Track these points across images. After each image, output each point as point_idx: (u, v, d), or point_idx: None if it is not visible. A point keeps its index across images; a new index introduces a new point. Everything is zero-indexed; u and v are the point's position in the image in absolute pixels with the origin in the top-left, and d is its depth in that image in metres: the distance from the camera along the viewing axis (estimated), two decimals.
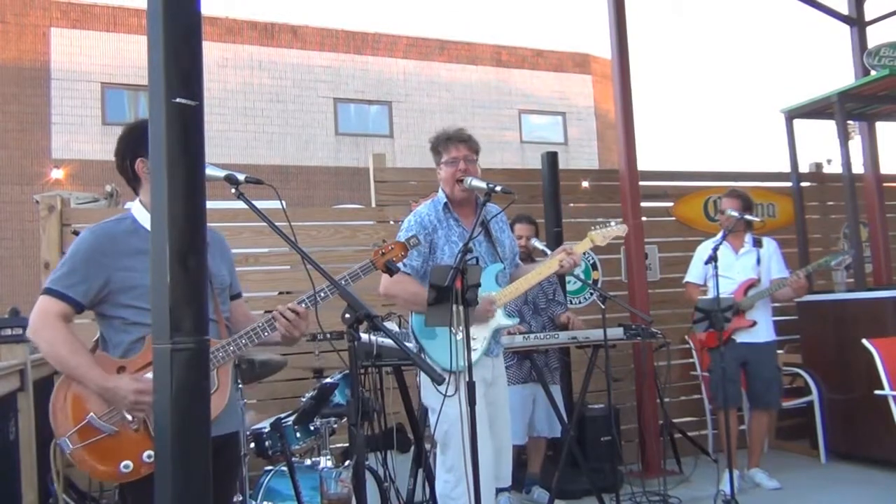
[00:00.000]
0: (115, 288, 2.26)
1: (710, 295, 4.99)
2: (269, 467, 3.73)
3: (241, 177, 2.30)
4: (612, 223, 3.51)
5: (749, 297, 4.99)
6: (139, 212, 2.36)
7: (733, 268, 5.05)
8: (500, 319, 3.29)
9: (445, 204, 3.33)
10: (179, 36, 1.66)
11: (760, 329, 5.02)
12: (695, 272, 5.33)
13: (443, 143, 3.31)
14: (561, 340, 4.53)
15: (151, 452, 2.15)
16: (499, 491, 3.59)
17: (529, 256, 4.94)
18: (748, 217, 4.99)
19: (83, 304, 2.26)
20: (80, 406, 2.20)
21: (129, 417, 2.20)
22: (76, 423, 2.18)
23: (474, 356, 3.00)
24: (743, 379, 5.12)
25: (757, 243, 5.13)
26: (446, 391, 2.76)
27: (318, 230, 5.47)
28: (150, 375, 2.16)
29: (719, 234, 5.14)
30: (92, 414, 2.18)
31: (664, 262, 6.44)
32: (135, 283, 2.24)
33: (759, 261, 5.07)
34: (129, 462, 2.18)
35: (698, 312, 4.91)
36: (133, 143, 2.37)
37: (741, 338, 4.96)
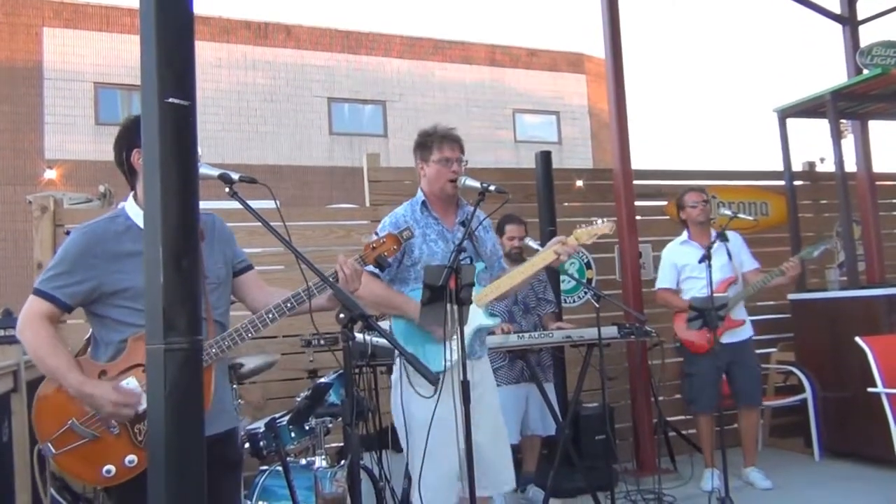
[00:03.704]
0: (107, 290, 2.23)
1: (685, 297, 5.02)
2: (264, 467, 3.72)
3: (235, 176, 2.27)
4: (599, 221, 3.33)
5: (734, 297, 4.94)
6: (132, 209, 2.33)
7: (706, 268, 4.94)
8: (482, 319, 3.13)
9: (423, 202, 3.23)
10: (172, 36, 1.66)
11: (744, 327, 5.03)
12: (666, 277, 5.25)
13: (437, 140, 3.21)
14: (555, 339, 4.54)
15: (134, 457, 2.15)
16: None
17: (521, 256, 4.94)
18: (742, 216, 4.95)
19: (70, 305, 2.25)
20: (61, 411, 2.17)
21: (110, 426, 2.17)
22: (58, 429, 2.16)
23: (453, 357, 2.92)
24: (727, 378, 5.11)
25: (721, 237, 5.04)
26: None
27: (313, 230, 5.47)
28: (130, 383, 2.16)
29: (683, 235, 5.17)
30: (73, 419, 2.16)
31: (658, 260, 6.43)
32: (127, 284, 2.21)
33: (729, 256, 5.00)
34: (111, 467, 2.15)
35: (692, 311, 4.90)
36: (130, 134, 2.31)
37: (727, 339, 4.86)
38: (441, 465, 2.90)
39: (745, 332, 5.05)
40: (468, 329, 2.99)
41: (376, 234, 2.77)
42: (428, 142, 3.24)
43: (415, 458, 2.99)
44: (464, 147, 3.26)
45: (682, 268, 5.12)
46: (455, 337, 2.93)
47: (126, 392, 2.16)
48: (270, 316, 2.36)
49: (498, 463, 3.13)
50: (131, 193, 2.39)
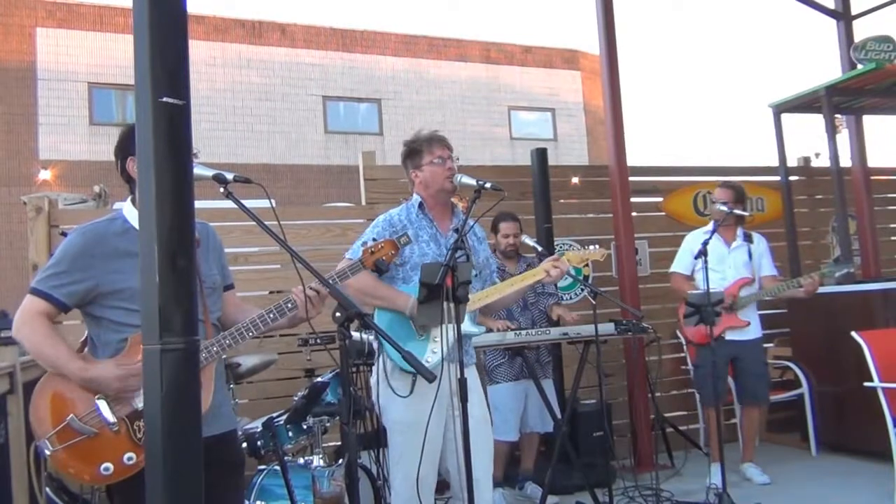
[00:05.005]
0: (104, 290, 2.24)
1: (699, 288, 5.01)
2: (262, 466, 3.71)
3: (229, 176, 2.27)
4: (591, 248, 3.48)
5: (745, 297, 4.96)
6: (130, 212, 2.33)
7: (725, 262, 5.02)
8: (467, 326, 3.03)
9: (420, 204, 3.20)
10: (166, 35, 1.64)
11: (750, 327, 5.02)
12: (682, 263, 5.26)
13: (425, 143, 3.19)
14: (552, 336, 4.54)
15: (132, 454, 2.16)
16: None
17: (517, 253, 4.95)
18: (737, 212, 4.94)
19: (68, 305, 2.25)
20: (60, 407, 2.17)
21: (111, 420, 2.16)
22: (56, 425, 2.15)
23: (433, 359, 2.93)
24: (732, 375, 5.14)
25: (748, 238, 5.10)
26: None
27: (308, 229, 5.46)
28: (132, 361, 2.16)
29: (710, 226, 5.14)
30: (72, 415, 2.16)
31: (654, 257, 6.45)
32: (124, 285, 2.22)
33: (750, 256, 5.04)
34: (109, 464, 2.15)
35: (688, 307, 4.90)
36: (125, 143, 2.33)
37: (730, 336, 4.91)
38: (409, 469, 2.88)
39: (752, 332, 5.04)
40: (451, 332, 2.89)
41: (374, 239, 2.75)
42: (417, 146, 3.21)
43: (388, 460, 3.07)
44: (451, 147, 3.25)
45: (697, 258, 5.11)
46: (435, 339, 2.95)
47: (128, 365, 2.17)
48: (272, 315, 2.39)
49: (482, 482, 2.97)
50: (129, 197, 2.39)
